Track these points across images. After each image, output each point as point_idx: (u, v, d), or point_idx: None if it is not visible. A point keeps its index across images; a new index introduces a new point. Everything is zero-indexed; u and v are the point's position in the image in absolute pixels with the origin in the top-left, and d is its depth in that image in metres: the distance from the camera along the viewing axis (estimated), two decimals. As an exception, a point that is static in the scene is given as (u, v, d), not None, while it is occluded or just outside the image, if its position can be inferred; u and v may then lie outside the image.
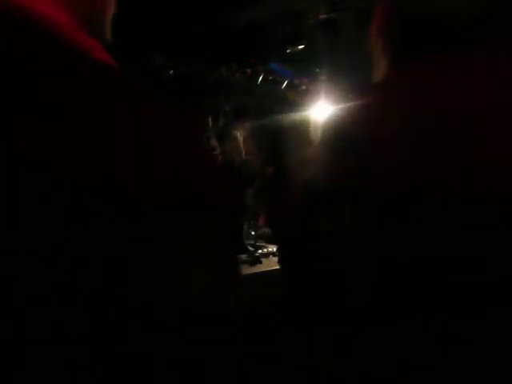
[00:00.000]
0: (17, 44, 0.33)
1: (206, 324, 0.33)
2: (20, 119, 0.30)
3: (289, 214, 0.74)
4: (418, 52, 0.62)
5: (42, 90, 0.32)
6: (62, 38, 0.36)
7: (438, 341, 0.54)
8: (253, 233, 2.39)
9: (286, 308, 0.70)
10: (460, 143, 0.54)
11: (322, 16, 2.94)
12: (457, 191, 0.54)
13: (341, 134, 0.64)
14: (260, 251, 2.24)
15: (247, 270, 1.76)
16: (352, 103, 0.65)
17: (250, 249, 2.04)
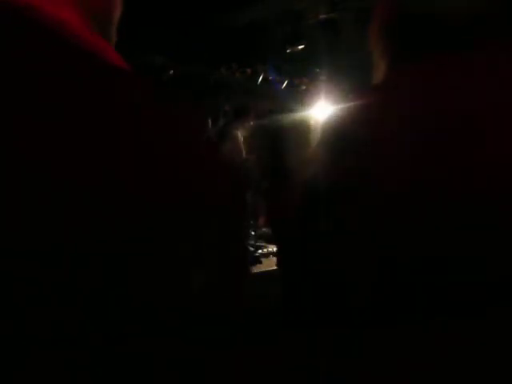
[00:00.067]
0: (26, 44, 0.33)
1: (206, 324, 0.33)
2: (21, 119, 0.30)
3: (289, 214, 0.74)
4: (418, 52, 0.62)
5: (45, 89, 0.32)
6: (71, 38, 0.36)
7: (438, 341, 0.54)
8: (253, 233, 2.39)
9: (286, 308, 0.70)
10: (460, 143, 0.54)
11: (322, 16, 2.94)
12: (457, 191, 0.54)
13: (341, 133, 0.64)
14: (260, 251, 2.24)
15: (247, 270, 1.75)
16: (352, 103, 0.65)
17: (250, 249, 2.04)
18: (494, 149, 0.53)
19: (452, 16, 0.62)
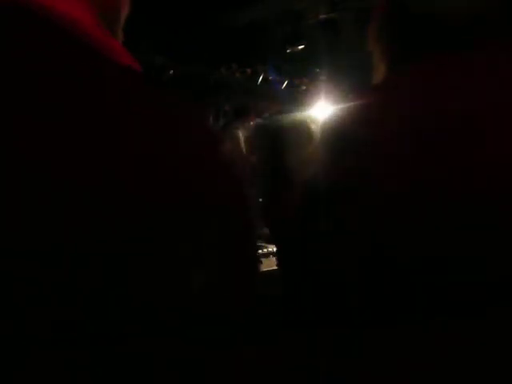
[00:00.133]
0: (37, 43, 0.33)
1: (206, 324, 0.33)
2: (23, 119, 0.30)
3: (289, 214, 0.74)
4: (418, 52, 0.62)
5: (52, 88, 0.32)
6: (83, 37, 0.36)
7: (438, 341, 0.54)
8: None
9: (286, 308, 0.70)
10: (460, 143, 0.54)
11: (322, 16, 2.94)
12: (457, 191, 0.54)
13: (341, 133, 0.64)
14: (260, 251, 2.24)
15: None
16: (352, 103, 0.65)
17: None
18: (494, 149, 0.53)
19: (452, 16, 0.62)
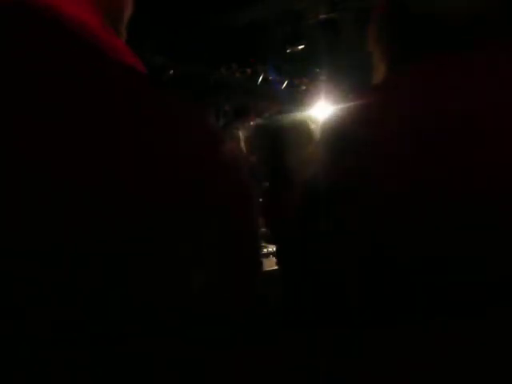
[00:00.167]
0: (43, 44, 0.33)
1: (206, 324, 0.33)
2: (24, 119, 0.30)
3: (289, 214, 0.74)
4: (418, 52, 0.62)
5: (56, 89, 0.32)
6: (90, 38, 0.36)
7: (438, 341, 0.54)
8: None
9: (286, 308, 0.70)
10: (460, 143, 0.54)
11: (322, 16, 2.94)
12: (457, 191, 0.54)
13: (341, 133, 0.64)
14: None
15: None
16: (352, 103, 0.65)
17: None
18: (494, 149, 0.53)
19: (452, 16, 0.62)
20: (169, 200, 0.32)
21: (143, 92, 0.36)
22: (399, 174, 0.56)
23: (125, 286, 0.30)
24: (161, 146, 0.34)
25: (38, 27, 0.34)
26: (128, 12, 0.49)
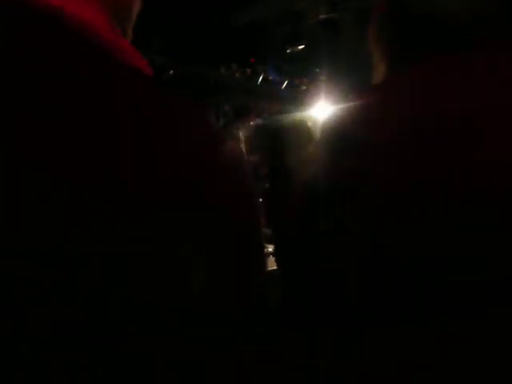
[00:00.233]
0: (41, 44, 0.33)
1: (206, 324, 0.33)
2: (24, 119, 0.30)
3: (289, 214, 0.74)
4: (418, 52, 0.63)
5: (44, 88, 0.32)
6: (93, 38, 0.36)
7: (438, 341, 0.54)
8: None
9: (286, 308, 0.70)
10: (460, 143, 0.54)
11: (322, 16, 2.94)
12: (457, 191, 0.54)
13: (341, 133, 0.64)
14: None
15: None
16: (352, 103, 0.65)
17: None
18: (494, 149, 0.53)
19: (452, 16, 0.62)
20: (169, 200, 0.32)
21: (143, 92, 0.36)
22: (399, 174, 0.56)
23: (125, 286, 0.30)
24: (161, 145, 0.34)
25: (38, 27, 0.34)
26: (136, 10, 0.48)
